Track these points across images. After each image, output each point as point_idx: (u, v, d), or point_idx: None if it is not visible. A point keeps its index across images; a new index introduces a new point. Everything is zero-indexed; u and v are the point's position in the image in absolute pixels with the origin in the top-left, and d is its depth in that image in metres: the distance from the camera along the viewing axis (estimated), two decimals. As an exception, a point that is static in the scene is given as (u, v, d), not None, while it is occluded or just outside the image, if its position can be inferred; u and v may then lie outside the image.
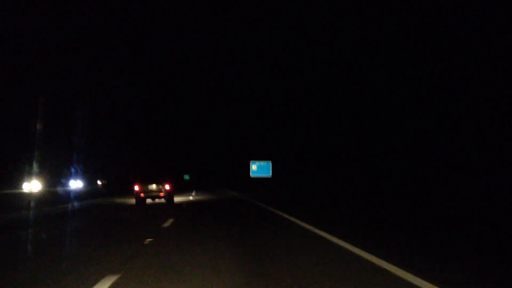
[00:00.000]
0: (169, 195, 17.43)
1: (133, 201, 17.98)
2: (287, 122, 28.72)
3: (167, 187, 17.08)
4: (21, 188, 31.75)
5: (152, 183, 17.06)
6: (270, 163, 25.10)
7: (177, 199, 19.86)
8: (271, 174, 25.08)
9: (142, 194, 16.94)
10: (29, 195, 22.83)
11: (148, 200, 17.99)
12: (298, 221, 9.13)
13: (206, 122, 57.76)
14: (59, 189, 31.03)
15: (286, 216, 10.67)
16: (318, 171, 25.13)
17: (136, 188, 16.90)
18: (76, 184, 38.41)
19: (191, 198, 23.19)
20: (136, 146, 49.53)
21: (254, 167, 24.76)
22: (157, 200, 18.43)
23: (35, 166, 27.84)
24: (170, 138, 64.08)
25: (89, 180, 40.32)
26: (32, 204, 17.47)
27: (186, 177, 62.52)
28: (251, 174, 25.13)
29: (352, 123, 21.55)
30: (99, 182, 36.92)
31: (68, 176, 34.83)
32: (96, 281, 4.04)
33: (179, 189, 27.06)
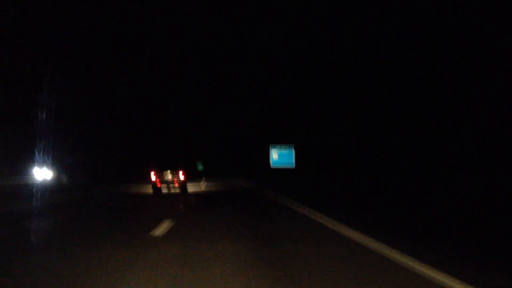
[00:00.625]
0: (183, 185, 17.09)
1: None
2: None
3: (181, 176, 16.81)
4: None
5: (167, 169, 16.76)
6: (293, 150, 20.85)
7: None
8: (294, 164, 20.78)
9: (159, 184, 16.72)
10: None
11: (164, 190, 17.43)
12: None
13: (220, 104, 54.12)
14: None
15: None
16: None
17: (153, 177, 16.50)
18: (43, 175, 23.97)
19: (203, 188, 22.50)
20: (147, 135, 45.37)
21: (274, 155, 20.65)
22: (172, 191, 17.57)
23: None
24: (180, 124, 61.01)
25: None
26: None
27: (200, 167, 58.16)
28: (271, 165, 20.82)
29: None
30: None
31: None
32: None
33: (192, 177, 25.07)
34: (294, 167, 21.95)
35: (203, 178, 27.81)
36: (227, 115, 48.31)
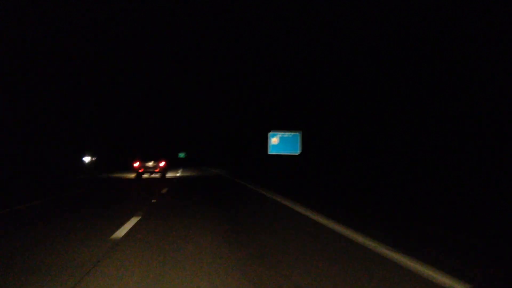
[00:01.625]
0: (163, 171, 20.53)
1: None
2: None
3: (162, 164, 20.17)
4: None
5: (150, 160, 20.01)
6: (299, 135, 17.28)
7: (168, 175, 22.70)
8: (299, 151, 17.29)
9: (141, 170, 19.86)
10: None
11: (145, 175, 21.08)
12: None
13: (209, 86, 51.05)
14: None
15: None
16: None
17: (136, 164, 19.77)
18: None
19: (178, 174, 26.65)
20: (133, 123, 49.43)
21: (274, 140, 16.85)
22: (152, 175, 21.60)
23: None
24: (167, 110, 59.89)
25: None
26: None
27: (181, 155, 58.04)
28: (269, 151, 17.22)
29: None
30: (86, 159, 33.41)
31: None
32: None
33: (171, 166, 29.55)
34: (298, 154, 18.02)
35: (181, 168, 32.54)
36: (218, 108, 45.66)
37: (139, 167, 19.73)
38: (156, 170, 20.20)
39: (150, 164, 19.94)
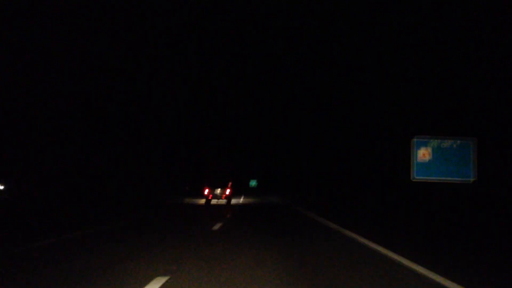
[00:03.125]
0: (229, 198, 22.01)
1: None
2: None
3: (227, 192, 21.88)
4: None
5: (217, 187, 21.84)
6: (471, 145, 9.49)
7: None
8: (472, 176, 9.18)
9: (210, 196, 21.46)
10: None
11: (213, 201, 22.40)
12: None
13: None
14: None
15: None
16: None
17: (206, 191, 21.48)
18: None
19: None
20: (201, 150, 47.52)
21: (423, 153, 9.03)
22: (219, 202, 22.76)
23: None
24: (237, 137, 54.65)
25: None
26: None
27: (253, 183, 48.61)
28: (413, 174, 8.70)
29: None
30: None
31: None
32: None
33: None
34: (471, 180, 9.55)
35: (242, 195, 32.64)
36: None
37: (208, 194, 21.46)
38: (223, 197, 21.89)
39: (218, 191, 21.78)
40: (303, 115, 37.96)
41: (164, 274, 4.12)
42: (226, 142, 52.46)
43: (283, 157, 47.51)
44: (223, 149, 50.51)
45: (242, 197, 33.70)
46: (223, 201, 22.29)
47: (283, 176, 47.81)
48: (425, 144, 9.11)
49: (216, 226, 9.16)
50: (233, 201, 23.77)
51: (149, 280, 3.90)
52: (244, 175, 49.61)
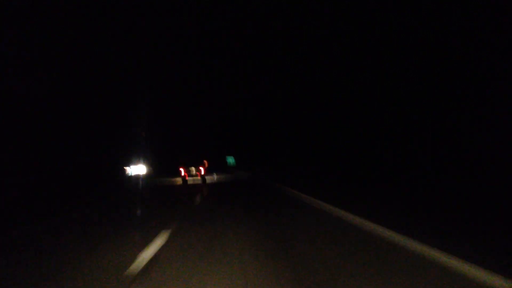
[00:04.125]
0: (203, 177, 22.68)
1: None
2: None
3: (202, 170, 22.58)
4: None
5: (191, 166, 22.61)
6: None
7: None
8: None
9: (187, 176, 22.47)
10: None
11: (189, 180, 23.44)
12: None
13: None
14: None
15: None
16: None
17: (182, 171, 22.36)
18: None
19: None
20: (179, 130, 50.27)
21: None
22: (195, 180, 23.98)
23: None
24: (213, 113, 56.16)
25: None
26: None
27: (230, 160, 47.64)
28: None
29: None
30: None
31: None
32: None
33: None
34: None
35: (214, 173, 33.21)
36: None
37: (184, 174, 22.48)
38: (198, 176, 22.83)
39: (192, 170, 22.71)
40: (280, 95, 40.09)
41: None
42: (202, 120, 53.97)
43: (259, 134, 49.54)
44: (199, 128, 52.17)
45: (215, 174, 35.84)
46: (198, 180, 23.19)
47: (259, 153, 49.75)
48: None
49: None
50: (208, 179, 24.84)
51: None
52: (221, 152, 50.37)
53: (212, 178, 27.11)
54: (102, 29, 30.38)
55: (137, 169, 39.79)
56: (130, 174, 38.82)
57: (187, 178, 22.35)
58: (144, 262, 4.57)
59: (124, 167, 39.87)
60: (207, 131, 53.70)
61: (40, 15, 24.43)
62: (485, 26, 13.58)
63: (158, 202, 12.40)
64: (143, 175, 37.60)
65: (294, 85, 29.84)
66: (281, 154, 36.41)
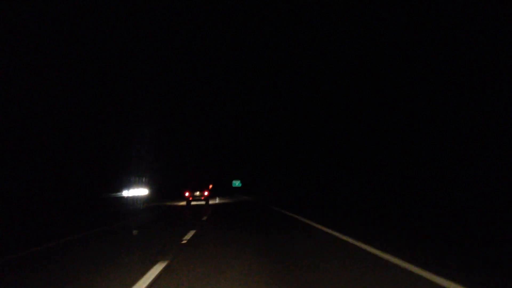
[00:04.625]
0: (207, 199, 25.31)
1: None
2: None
3: (206, 193, 25.16)
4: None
5: (197, 190, 25.07)
6: None
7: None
8: None
9: (190, 198, 24.84)
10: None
11: (193, 202, 26.06)
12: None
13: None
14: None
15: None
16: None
17: (187, 194, 24.82)
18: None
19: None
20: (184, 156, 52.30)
21: None
22: (198, 202, 26.65)
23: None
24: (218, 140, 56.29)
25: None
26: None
27: (236, 183, 48.26)
28: None
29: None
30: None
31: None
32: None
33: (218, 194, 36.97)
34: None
35: (217, 196, 34.95)
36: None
37: (189, 196, 24.83)
38: (202, 198, 25.18)
39: (197, 193, 25.06)
40: (281, 120, 40.30)
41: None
42: (209, 145, 54.24)
43: (263, 159, 49.17)
44: (205, 152, 52.42)
45: (217, 198, 37.53)
46: (202, 202, 26.00)
47: (263, 178, 49.24)
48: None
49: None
50: (211, 201, 27.61)
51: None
52: (228, 177, 50.43)
53: (215, 201, 30.05)
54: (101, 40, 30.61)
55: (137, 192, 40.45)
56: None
57: (190, 199, 24.84)
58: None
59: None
60: (214, 155, 54.12)
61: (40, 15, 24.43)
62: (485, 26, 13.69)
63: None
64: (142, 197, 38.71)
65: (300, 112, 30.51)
66: (285, 180, 37.22)
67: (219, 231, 8.88)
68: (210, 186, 25.52)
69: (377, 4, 19.63)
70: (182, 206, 24.58)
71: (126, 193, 38.19)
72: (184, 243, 6.91)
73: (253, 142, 50.73)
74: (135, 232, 10.00)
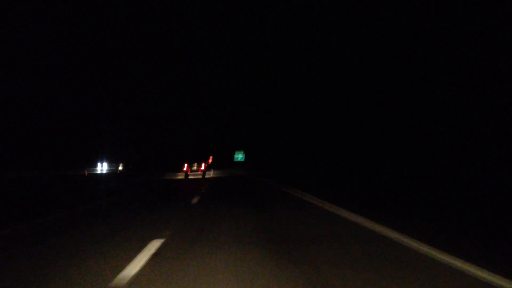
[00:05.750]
0: (203, 173, 26.51)
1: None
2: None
3: (202, 167, 26.55)
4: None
5: (194, 163, 26.69)
6: None
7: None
8: None
9: (188, 172, 25.84)
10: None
11: (191, 176, 26.23)
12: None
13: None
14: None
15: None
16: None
17: (185, 167, 25.83)
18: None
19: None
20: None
21: None
22: (196, 176, 26.59)
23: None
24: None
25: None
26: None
27: (239, 156, 41.57)
28: None
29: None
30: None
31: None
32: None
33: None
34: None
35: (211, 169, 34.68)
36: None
37: (187, 169, 25.94)
38: (199, 172, 26.53)
39: (194, 167, 26.52)
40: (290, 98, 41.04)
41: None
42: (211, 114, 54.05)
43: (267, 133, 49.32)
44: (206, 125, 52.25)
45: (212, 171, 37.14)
46: (199, 175, 26.98)
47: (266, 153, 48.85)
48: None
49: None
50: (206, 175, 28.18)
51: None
52: (230, 148, 48.45)
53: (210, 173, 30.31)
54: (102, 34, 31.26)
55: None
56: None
57: (189, 172, 25.80)
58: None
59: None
60: (215, 127, 53.82)
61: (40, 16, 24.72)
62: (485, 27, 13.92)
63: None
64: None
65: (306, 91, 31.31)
66: (286, 156, 37.57)
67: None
68: (211, 159, 26.70)
69: (377, 4, 19.87)
70: (180, 180, 24.27)
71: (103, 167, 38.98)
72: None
73: (257, 116, 51.06)
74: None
